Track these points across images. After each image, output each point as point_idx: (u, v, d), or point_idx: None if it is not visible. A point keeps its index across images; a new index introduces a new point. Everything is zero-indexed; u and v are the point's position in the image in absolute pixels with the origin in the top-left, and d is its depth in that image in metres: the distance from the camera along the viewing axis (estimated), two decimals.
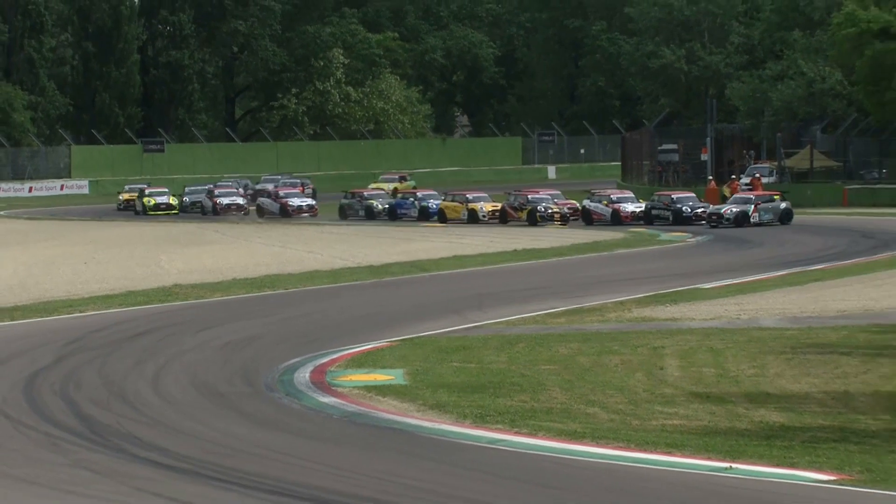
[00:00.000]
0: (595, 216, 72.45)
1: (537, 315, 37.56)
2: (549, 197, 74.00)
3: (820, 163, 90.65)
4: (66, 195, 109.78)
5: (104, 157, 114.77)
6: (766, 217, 69.16)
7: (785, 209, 69.89)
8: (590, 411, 24.25)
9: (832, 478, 19.06)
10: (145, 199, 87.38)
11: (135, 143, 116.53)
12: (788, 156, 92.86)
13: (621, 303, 39.63)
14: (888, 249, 55.00)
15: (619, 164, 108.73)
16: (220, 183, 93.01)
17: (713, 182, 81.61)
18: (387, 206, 78.47)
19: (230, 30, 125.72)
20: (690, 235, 64.13)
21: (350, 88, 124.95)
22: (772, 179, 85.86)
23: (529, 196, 73.88)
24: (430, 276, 49.27)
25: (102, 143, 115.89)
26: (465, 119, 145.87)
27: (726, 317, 36.26)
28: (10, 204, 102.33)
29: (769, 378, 27.29)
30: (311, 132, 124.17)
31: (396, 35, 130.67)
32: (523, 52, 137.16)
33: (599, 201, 73.78)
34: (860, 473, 19.24)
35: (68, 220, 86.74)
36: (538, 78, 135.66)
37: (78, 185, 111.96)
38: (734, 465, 19.80)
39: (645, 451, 21.01)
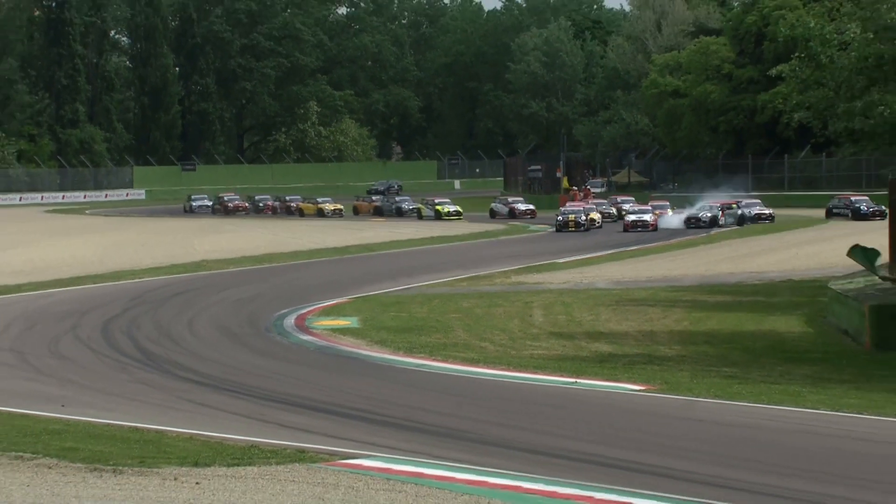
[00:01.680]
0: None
1: (447, 280, 37.64)
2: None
3: (634, 179, 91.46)
4: (130, 200, 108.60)
5: (155, 175, 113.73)
6: (730, 220, 60.51)
7: (741, 215, 60.98)
8: (483, 345, 24.31)
9: (643, 388, 19.21)
10: (438, 207, 74.32)
11: (176, 165, 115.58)
12: (614, 174, 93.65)
13: (504, 272, 39.78)
14: (679, 236, 55.42)
15: (503, 179, 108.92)
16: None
17: (573, 191, 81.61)
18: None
19: (240, 88, 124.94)
20: (551, 227, 64.14)
21: (321, 128, 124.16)
22: (602, 189, 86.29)
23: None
24: (375, 254, 49.20)
25: (154, 165, 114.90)
26: (398, 149, 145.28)
27: (573, 281, 36.46)
28: (92, 206, 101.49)
29: (601, 322, 27.45)
30: (295, 158, 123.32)
31: (353, 92, 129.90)
32: (438, 103, 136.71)
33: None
34: (660, 385, 19.40)
35: (131, 216, 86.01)
36: (448, 121, 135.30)
37: (137, 194, 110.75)
38: (579, 381, 19.91)
39: (520, 371, 21.09)
